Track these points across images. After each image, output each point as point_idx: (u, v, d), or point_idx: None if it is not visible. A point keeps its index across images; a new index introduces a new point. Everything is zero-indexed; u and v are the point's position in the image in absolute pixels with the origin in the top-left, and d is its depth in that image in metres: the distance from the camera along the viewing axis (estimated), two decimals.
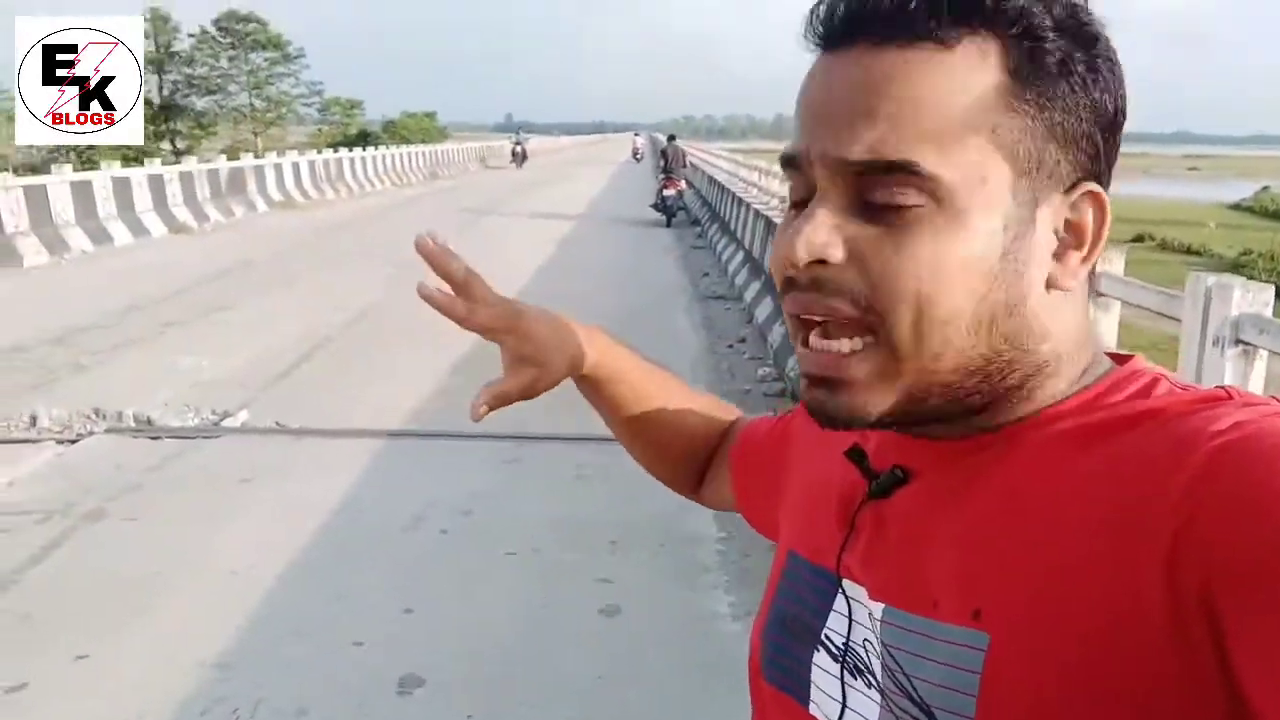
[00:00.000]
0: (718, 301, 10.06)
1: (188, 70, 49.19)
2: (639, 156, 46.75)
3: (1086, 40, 0.54)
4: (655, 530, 4.25)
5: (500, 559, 3.96)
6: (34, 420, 5.65)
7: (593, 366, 0.88)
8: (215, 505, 4.43)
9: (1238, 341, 2.88)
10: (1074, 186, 0.56)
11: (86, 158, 24.62)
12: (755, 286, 9.48)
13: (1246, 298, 2.90)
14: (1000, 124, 0.53)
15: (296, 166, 20.78)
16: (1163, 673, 0.47)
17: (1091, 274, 0.59)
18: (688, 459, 0.96)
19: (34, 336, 7.47)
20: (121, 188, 13.70)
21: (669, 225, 17.11)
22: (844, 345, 0.56)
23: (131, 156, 33.19)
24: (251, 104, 50.43)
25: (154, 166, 15.32)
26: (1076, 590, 0.49)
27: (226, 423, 5.65)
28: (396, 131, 52.39)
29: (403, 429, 5.57)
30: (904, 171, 0.52)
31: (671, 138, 19.35)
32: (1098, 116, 0.55)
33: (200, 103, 49.50)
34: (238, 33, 49.12)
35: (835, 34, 0.56)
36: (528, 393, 0.83)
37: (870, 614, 0.60)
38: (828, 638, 0.63)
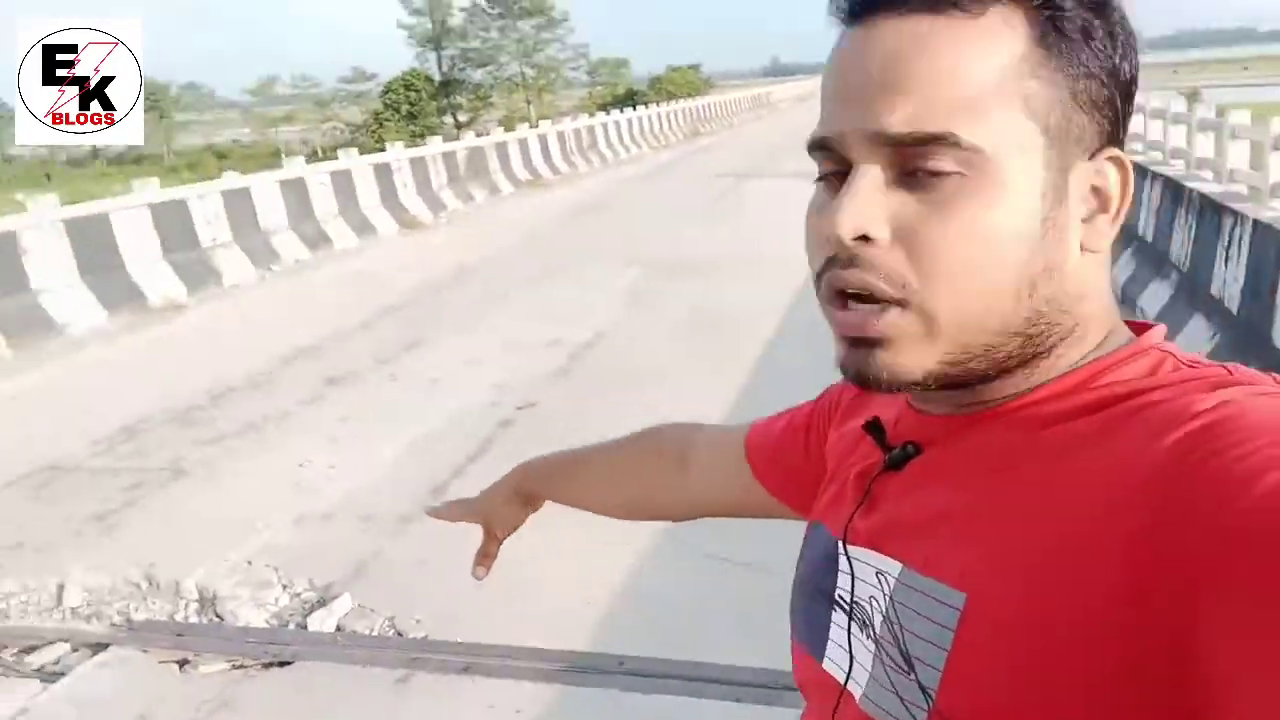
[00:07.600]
0: None
1: (462, 44, 50.41)
2: None
3: (1103, 8, 0.56)
4: None
5: None
6: (60, 595, 3.68)
7: (534, 492, 1.10)
8: None
9: None
10: (1099, 151, 0.57)
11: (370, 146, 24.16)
12: (1158, 290, 6.08)
13: None
14: (1031, 92, 0.54)
15: (544, 139, 18.71)
16: (1119, 658, 0.47)
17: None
18: (667, 490, 1.02)
19: (156, 410, 5.66)
20: (343, 182, 12.12)
21: None
22: (881, 307, 0.56)
23: (417, 133, 33.57)
24: (522, 72, 51.08)
25: (384, 153, 13.69)
26: (1050, 565, 0.50)
27: (315, 618, 3.37)
28: (663, 87, 50.82)
29: (631, 656, 3.01)
30: (943, 143, 0.53)
31: None
32: (1117, 82, 0.56)
33: (476, 75, 50.77)
34: (505, 2, 49.57)
35: (859, 6, 0.56)
36: (496, 539, 1.10)
37: (879, 572, 0.62)
38: (840, 597, 0.66)
